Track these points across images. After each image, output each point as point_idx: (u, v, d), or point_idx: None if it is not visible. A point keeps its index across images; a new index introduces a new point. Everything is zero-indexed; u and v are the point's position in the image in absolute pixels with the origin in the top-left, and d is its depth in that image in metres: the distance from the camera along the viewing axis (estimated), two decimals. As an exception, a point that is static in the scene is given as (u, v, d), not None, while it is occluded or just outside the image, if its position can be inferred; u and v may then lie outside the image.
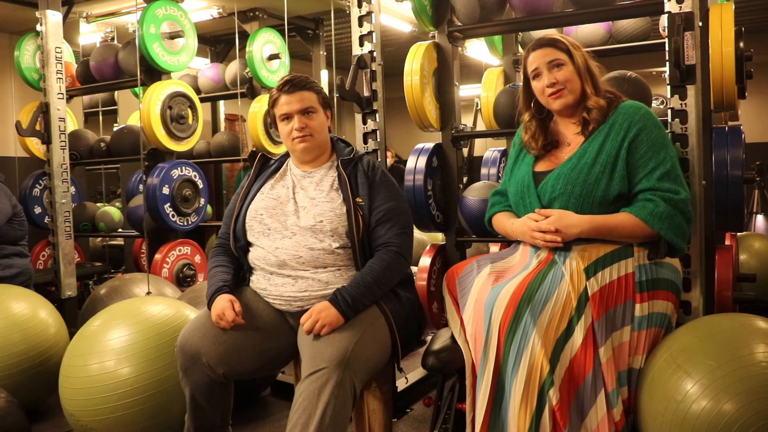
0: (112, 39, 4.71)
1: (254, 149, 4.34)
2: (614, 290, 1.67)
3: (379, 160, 2.50)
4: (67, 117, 3.51)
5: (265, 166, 2.09)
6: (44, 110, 3.35)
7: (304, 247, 1.86)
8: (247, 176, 2.09)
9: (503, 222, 1.95)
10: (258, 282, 1.94)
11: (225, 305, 1.81)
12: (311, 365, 1.64)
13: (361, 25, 2.46)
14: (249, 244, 1.97)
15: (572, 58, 1.79)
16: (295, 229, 1.88)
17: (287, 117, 1.95)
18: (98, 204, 4.46)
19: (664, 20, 2.20)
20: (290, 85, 1.94)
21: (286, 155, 2.09)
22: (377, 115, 2.47)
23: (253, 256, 1.94)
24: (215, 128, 5.41)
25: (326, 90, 5.15)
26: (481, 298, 1.74)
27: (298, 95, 1.93)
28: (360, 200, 1.90)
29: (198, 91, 4.44)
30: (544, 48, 1.81)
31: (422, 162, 2.53)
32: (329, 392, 1.59)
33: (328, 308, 1.74)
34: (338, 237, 1.86)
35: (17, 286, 2.89)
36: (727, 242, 2.74)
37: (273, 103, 1.98)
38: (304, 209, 1.91)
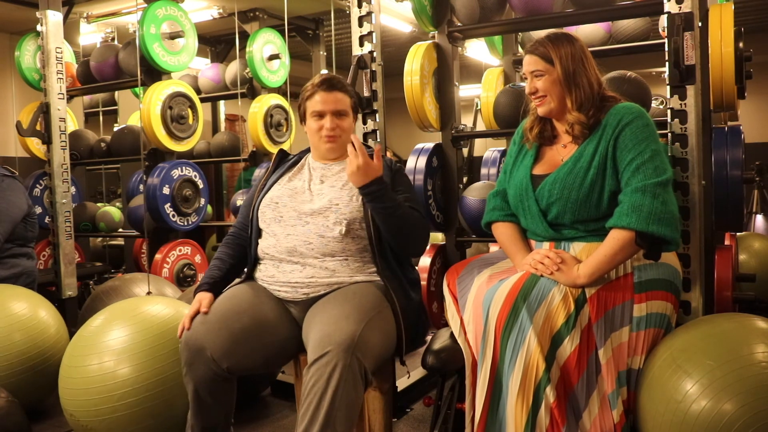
0: (113, 39, 4.72)
1: (254, 149, 4.35)
2: (612, 291, 1.67)
3: (379, 160, 2.51)
4: (68, 117, 3.51)
5: (284, 160, 2.13)
6: (45, 110, 3.35)
7: (315, 234, 1.88)
8: (266, 169, 2.12)
9: (504, 243, 1.93)
10: (266, 270, 1.95)
11: (195, 305, 1.88)
12: (319, 348, 1.64)
13: (361, 25, 2.46)
14: (260, 234, 1.99)
15: (555, 67, 1.78)
16: (308, 218, 1.90)
17: (320, 115, 1.97)
18: (98, 204, 4.46)
19: (663, 20, 2.20)
20: (329, 84, 1.97)
21: (306, 151, 2.13)
22: (377, 115, 2.47)
23: (264, 244, 1.96)
24: (215, 128, 5.42)
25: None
26: (480, 297, 1.75)
27: (335, 95, 1.96)
28: None
29: (198, 91, 4.45)
30: (530, 55, 1.83)
31: (422, 162, 2.53)
32: (339, 375, 1.59)
33: (378, 171, 1.82)
34: (350, 223, 1.88)
35: (17, 285, 2.89)
36: (727, 242, 2.74)
37: (307, 97, 2.00)
38: (320, 195, 1.94)
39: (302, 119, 2.05)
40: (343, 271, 1.88)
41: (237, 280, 2.03)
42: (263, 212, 1.97)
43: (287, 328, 1.91)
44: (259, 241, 1.99)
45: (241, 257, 2.06)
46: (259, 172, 3.97)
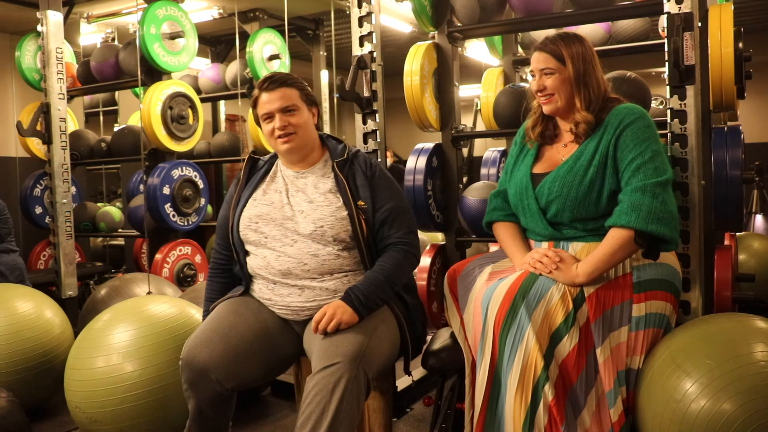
0: (113, 39, 4.72)
1: (254, 149, 4.35)
2: (611, 290, 1.68)
3: (379, 160, 2.51)
4: (68, 117, 3.52)
5: (254, 168, 2.01)
6: (45, 110, 3.36)
7: (308, 254, 1.81)
8: (237, 180, 2.01)
9: (504, 242, 1.92)
10: (261, 292, 1.89)
11: None
12: (325, 358, 1.60)
13: (361, 25, 2.46)
14: (247, 253, 1.92)
15: (566, 66, 1.78)
16: (295, 236, 1.83)
17: (269, 116, 1.87)
18: (99, 204, 4.47)
19: (663, 21, 2.20)
20: (270, 82, 1.86)
21: (276, 155, 2.02)
22: (377, 115, 2.47)
23: (254, 264, 1.89)
24: (215, 128, 5.42)
25: (326, 90, 5.19)
26: (480, 296, 1.75)
27: (279, 92, 1.85)
28: (363, 203, 1.85)
29: (198, 91, 4.45)
30: (541, 52, 1.82)
31: (422, 162, 2.53)
32: (344, 387, 1.56)
33: (343, 306, 1.70)
34: (340, 242, 1.82)
35: (21, 285, 2.90)
36: (727, 242, 2.74)
37: (255, 103, 1.91)
38: (302, 213, 1.85)
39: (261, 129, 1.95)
40: (344, 290, 1.79)
41: (233, 291, 1.96)
42: (245, 234, 1.88)
43: (288, 341, 1.88)
44: (248, 259, 1.91)
45: (231, 288, 1.99)
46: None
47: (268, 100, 1.86)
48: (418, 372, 2.80)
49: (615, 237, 1.66)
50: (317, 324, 1.69)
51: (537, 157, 1.91)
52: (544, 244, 1.83)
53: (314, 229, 1.81)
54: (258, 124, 1.94)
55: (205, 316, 1.96)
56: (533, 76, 1.85)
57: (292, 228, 1.84)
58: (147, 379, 2.13)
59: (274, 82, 1.87)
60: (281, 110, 1.85)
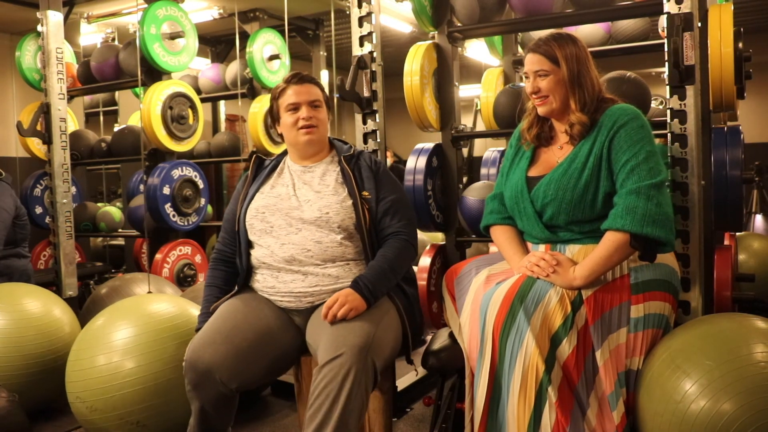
0: (113, 39, 4.72)
1: (254, 149, 4.34)
2: (609, 292, 1.67)
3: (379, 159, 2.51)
4: (68, 117, 3.51)
5: (261, 167, 2.09)
6: (45, 110, 3.35)
7: (312, 241, 1.86)
8: (244, 178, 2.08)
9: (502, 245, 1.92)
10: (265, 281, 1.92)
11: None
12: (333, 349, 1.62)
13: (361, 25, 2.47)
14: (251, 245, 1.97)
15: (561, 67, 1.77)
16: (300, 225, 1.88)
17: (295, 107, 1.96)
18: (99, 204, 4.47)
19: (663, 21, 2.21)
20: (298, 78, 1.99)
21: (282, 154, 2.10)
22: (377, 115, 2.47)
23: (258, 254, 1.93)
24: (216, 128, 5.42)
25: (327, 90, 5.19)
26: (477, 299, 1.75)
27: (307, 87, 1.98)
28: (367, 194, 1.92)
29: (198, 91, 4.45)
30: (534, 54, 1.81)
31: (422, 162, 2.54)
32: (353, 377, 1.58)
33: (353, 294, 1.75)
34: (344, 230, 1.87)
35: (30, 284, 2.91)
36: (726, 242, 2.75)
37: (279, 94, 1.99)
38: (308, 202, 1.91)
39: (275, 120, 2.03)
40: (347, 276, 1.86)
41: (234, 291, 1.99)
42: (251, 224, 1.94)
43: (290, 337, 1.90)
44: (252, 251, 1.96)
45: (234, 279, 2.02)
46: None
47: (297, 92, 1.96)
48: (418, 371, 2.80)
49: (611, 240, 1.66)
50: (329, 308, 1.73)
51: (532, 160, 1.91)
52: (541, 247, 1.82)
53: (319, 215, 1.87)
54: (274, 117, 2.03)
55: (205, 302, 1.99)
56: (527, 77, 1.84)
57: (297, 216, 1.90)
58: (147, 364, 2.15)
59: (303, 78, 2.00)
60: (309, 103, 1.97)
